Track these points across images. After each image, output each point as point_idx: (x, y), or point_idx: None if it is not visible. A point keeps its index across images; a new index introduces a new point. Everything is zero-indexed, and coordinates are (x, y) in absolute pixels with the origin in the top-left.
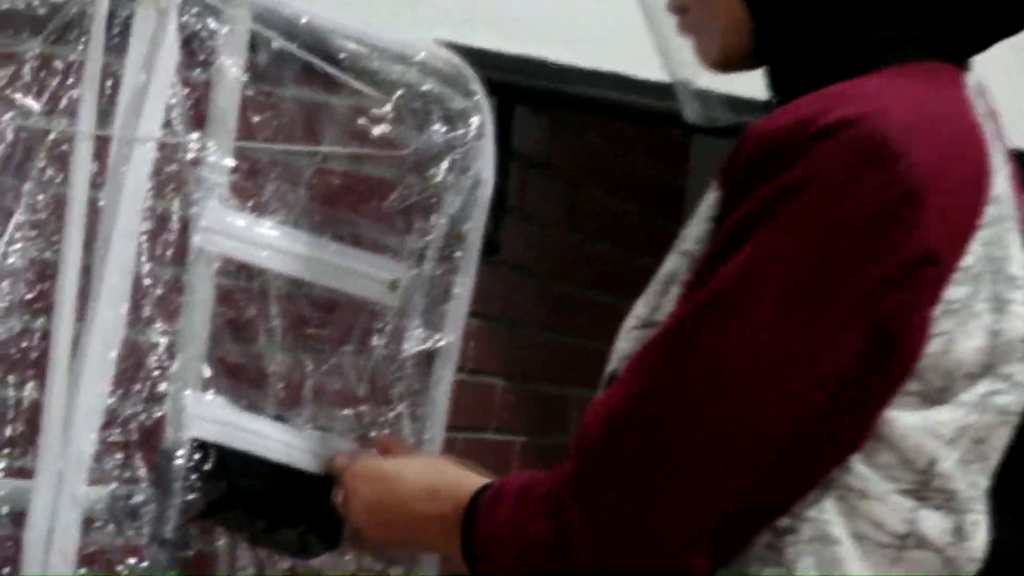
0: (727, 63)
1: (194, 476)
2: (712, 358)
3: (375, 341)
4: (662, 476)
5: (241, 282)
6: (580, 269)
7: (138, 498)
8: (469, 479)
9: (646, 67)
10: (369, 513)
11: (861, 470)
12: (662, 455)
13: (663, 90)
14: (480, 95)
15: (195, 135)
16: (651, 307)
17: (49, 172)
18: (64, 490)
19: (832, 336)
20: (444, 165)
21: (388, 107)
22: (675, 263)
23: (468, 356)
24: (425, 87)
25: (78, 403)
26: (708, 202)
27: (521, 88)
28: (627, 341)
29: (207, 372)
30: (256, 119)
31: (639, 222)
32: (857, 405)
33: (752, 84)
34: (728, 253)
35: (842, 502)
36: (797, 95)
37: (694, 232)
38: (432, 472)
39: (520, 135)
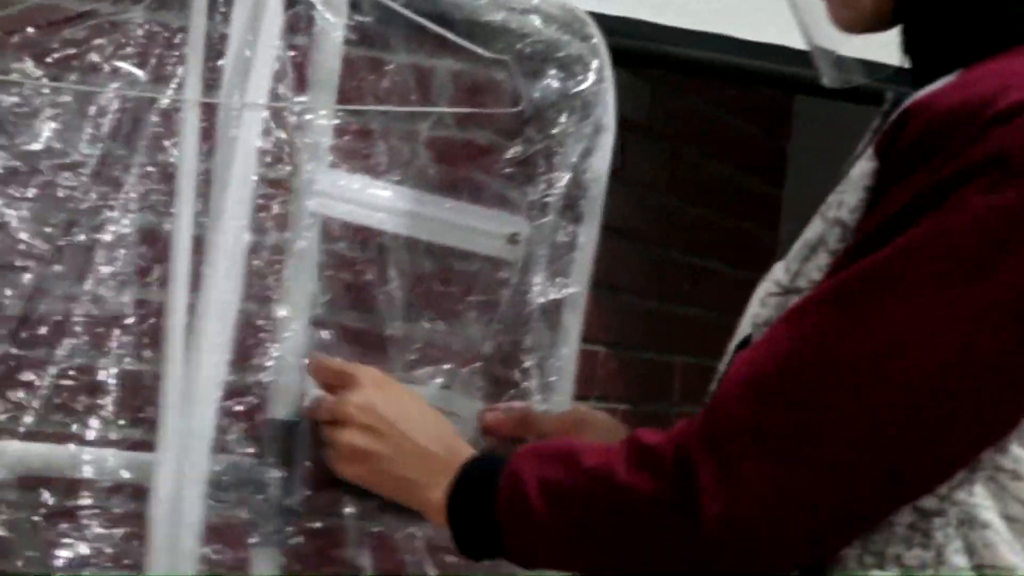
0: (861, 24)
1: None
2: (871, 328)
3: (499, 297)
4: (808, 444)
5: (357, 246)
6: (682, 234)
7: (262, 468)
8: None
9: (748, 27)
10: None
11: (1016, 451)
12: (810, 423)
13: (765, 50)
14: (598, 38)
15: (303, 98)
16: (792, 273)
17: (158, 141)
18: (188, 463)
19: (995, 318)
20: (563, 114)
21: (501, 59)
22: (821, 229)
23: None
24: (540, 35)
25: (197, 375)
26: (862, 171)
27: (621, 50)
28: (765, 307)
29: (327, 337)
30: (366, 80)
31: (741, 186)
32: (1014, 386)
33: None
34: (895, 229)
35: (992, 484)
36: (937, 60)
37: (847, 200)
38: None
39: (620, 99)
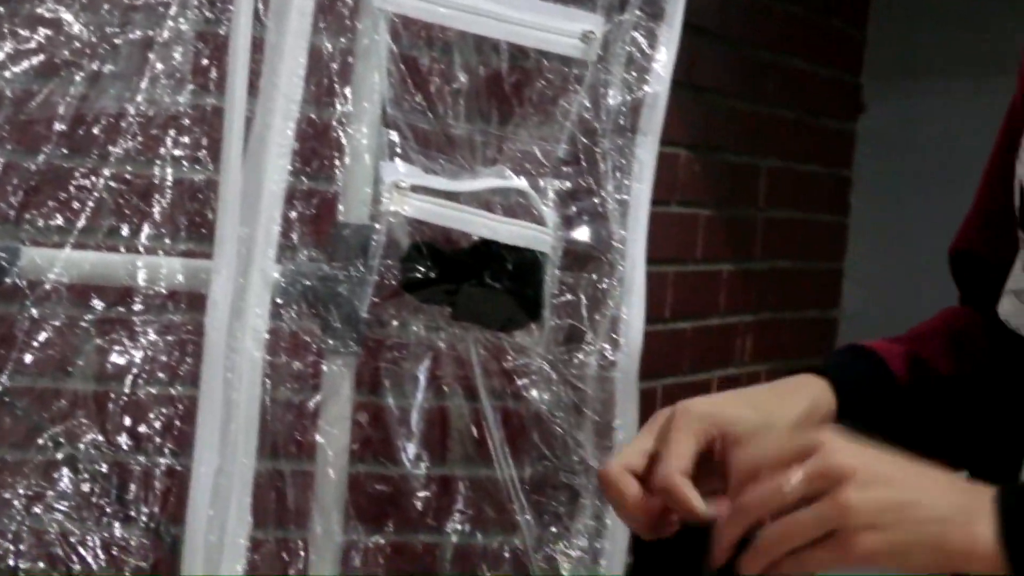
0: None
1: (390, 251)
2: None
3: (572, 99)
4: None
5: (423, 45)
6: (769, 31)
7: (330, 276)
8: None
9: None
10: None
11: None
12: None
13: None
14: None
15: None
16: None
17: None
18: (254, 268)
19: None
20: None
21: None
22: None
23: None
24: None
25: (260, 179)
26: None
27: None
28: None
29: (395, 139)
30: None
31: None
32: None
33: None
34: None
35: None
36: None
37: None
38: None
39: None
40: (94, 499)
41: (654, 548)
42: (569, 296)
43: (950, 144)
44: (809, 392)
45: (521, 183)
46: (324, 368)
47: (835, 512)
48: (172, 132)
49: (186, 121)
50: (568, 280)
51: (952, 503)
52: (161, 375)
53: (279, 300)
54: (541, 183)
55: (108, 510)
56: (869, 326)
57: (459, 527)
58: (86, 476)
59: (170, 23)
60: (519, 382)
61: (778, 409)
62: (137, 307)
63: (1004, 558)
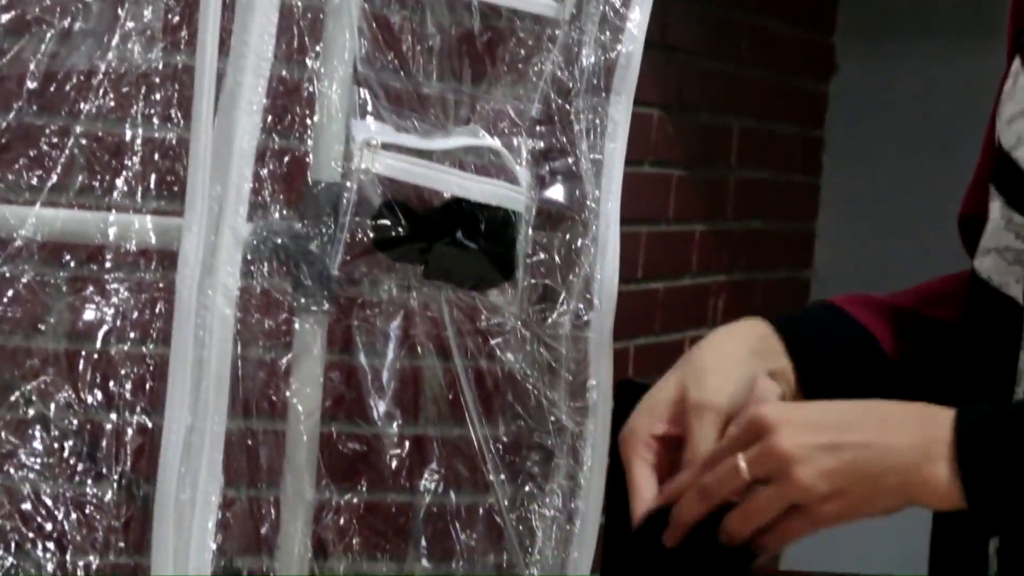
0: None
1: (361, 209)
2: None
3: (544, 58)
4: None
5: (395, 2)
6: None
7: (301, 234)
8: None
9: None
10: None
11: None
12: None
13: None
14: None
15: None
16: None
17: None
18: (224, 226)
19: None
20: None
21: None
22: None
23: None
24: None
25: (232, 136)
26: None
27: None
28: None
29: (366, 97)
30: None
31: None
32: None
33: None
34: None
35: None
36: None
37: None
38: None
39: None
40: (66, 456)
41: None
42: (543, 255)
43: (923, 105)
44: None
45: (494, 142)
46: (296, 326)
47: (788, 485)
48: (143, 90)
49: (157, 79)
50: (542, 239)
51: (908, 443)
52: (132, 333)
53: (250, 258)
54: (515, 142)
55: (80, 468)
56: (841, 287)
57: (432, 486)
58: (57, 434)
59: None
60: (492, 341)
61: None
62: (108, 265)
63: (961, 496)
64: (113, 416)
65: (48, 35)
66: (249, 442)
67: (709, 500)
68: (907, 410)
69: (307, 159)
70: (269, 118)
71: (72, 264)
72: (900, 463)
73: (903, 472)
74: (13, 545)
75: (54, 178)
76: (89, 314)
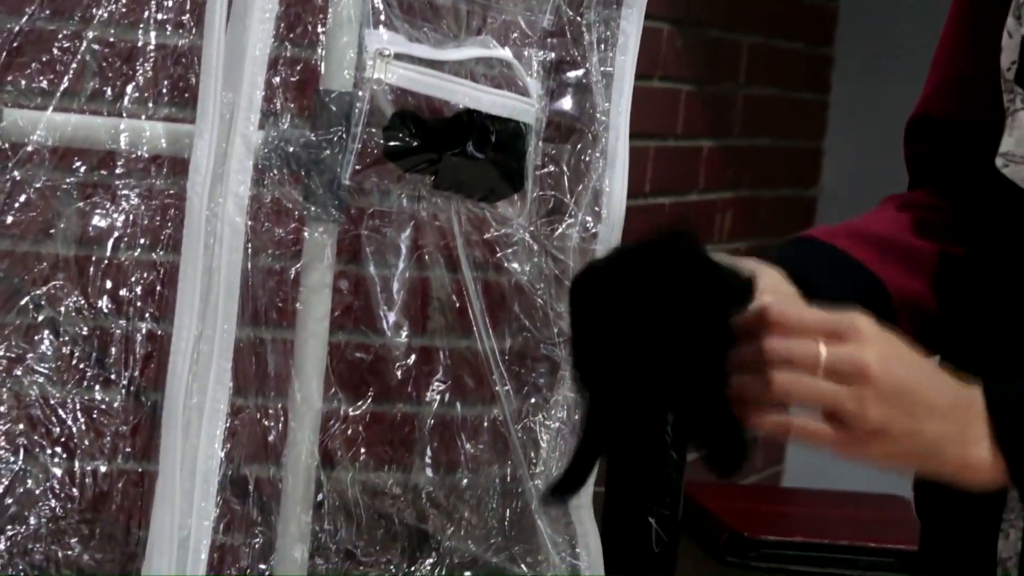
0: None
1: (373, 119)
2: None
3: None
4: None
5: None
6: None
7: (312, 143)
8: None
9: None
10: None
11: None
12: None
13: None
14: None
15: None
16: None
17: None
18: (236, 133)
19: None
20: None
21: None
22: None
23: None
24: None
25: (243, 42)
26: None
27: None
28: None
29: (379, 6)
30: None
31: None
32: None
33: None
34: None
35: None
36: None
37: None
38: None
39: None
40: (75, 362)
41: None
42: (552, 168)
43: (932, 22)
44: None
45: (506, 53)
46: (306, 235)
47: (852, 407)
48: None
49: None
50: (551, 151)
51: (949, 427)
52: (142, 240)
53: (260, 166)
54: (526, 53)
55: (88, 373)
56: (847, 205)
57: (438, 397)
58: (67, 339)
59: None
60: (500, 253)
61: None
62: (119, 171)
63: (1004, 469)
64: (122, 322)
65: None
66: (258, 350)
67: (769, 358)
68: (956, 389)
69: (319, 68)
70: (282, 26)
71: (83, 170)
72: (947, 435)
73: (943, 446)
74: (21, 450)
75: (66, 83)
76: (99, 220)
